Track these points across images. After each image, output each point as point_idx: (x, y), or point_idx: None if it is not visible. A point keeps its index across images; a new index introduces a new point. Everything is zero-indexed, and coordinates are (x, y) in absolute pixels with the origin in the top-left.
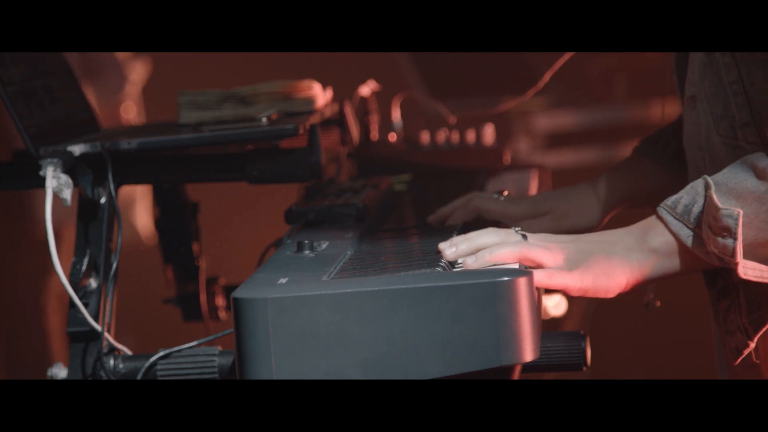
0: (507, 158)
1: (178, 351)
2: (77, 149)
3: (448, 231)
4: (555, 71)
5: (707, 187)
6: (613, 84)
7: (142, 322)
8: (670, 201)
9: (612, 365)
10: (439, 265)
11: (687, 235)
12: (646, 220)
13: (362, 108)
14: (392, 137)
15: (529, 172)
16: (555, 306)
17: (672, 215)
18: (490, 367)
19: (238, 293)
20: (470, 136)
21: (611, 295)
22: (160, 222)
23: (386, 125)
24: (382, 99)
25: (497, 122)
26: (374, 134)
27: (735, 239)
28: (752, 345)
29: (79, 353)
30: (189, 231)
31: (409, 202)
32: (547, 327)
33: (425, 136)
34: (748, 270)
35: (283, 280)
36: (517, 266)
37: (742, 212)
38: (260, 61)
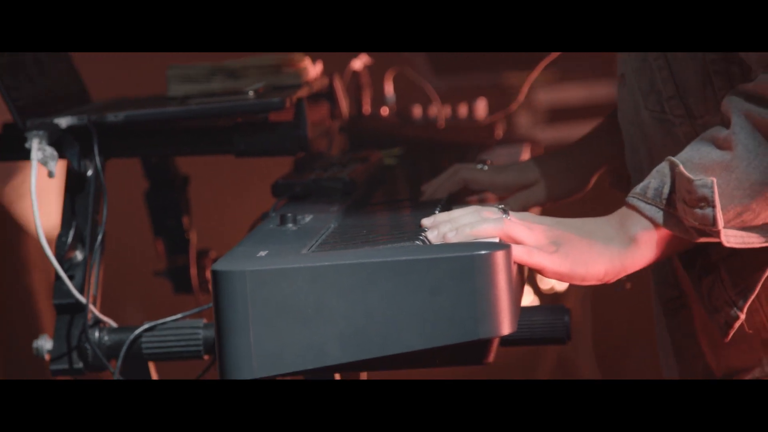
0: (499, 133)
1: (163, 324)
2: (64, 122)
3: (434, 204)
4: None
5: (673, 165)
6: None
7: (134, 294)
8: (638, 188)
9: (613, 341)
10: (418, 239)
11: (663, 218)
12: (621, 209)
13: (354, 82)
14: (384, 111)
15: (522, 146)
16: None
17: (644, 201)
18: (468, 340)
19: (217, 266)
20: (462, 110)
21: (586, 283)
22: (149, 195)
23: (380, 100)
24: (377, 73)
25: (498, 96)
26: (366, 108)
27: (713, 207)
28: (742, 316)
29: (65, 325)
30: (179, 204)
31: (398, 176)
32: (547, 301)
33: (417, 111)
34: (731, 238)
35: (263, 253)
36: (496, 240)
37: (716, 180)
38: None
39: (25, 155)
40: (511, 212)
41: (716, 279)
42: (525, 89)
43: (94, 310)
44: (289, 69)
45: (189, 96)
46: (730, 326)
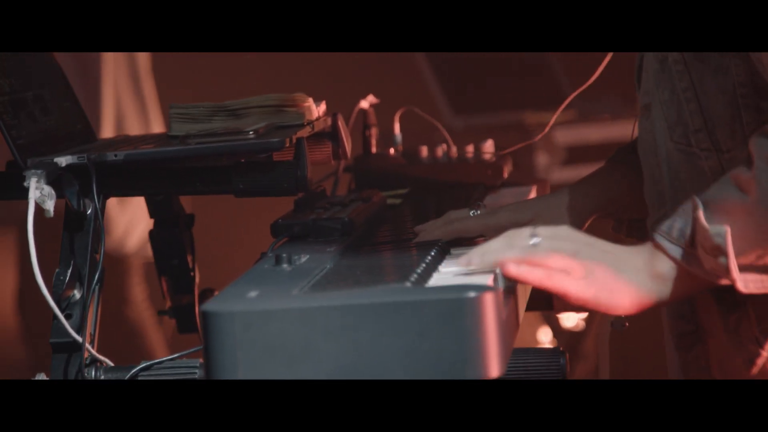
0: (505, 173)
1: (159, 363)
2: (63, 160)
3: (432, 245)
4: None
5: (694, 208)
6: (634, 101)
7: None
8: (664, 226)
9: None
10: (409, 280)
11: (687, 259)
12: (649, 244)
13: (362, 122)
14: (392, 151)
15: (528, 188)
16: (569, 321)
17: (669, 240)
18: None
19: (206, 307)
20: (469, 150)
21: (612, 312)
22: (154, 234)
23: (388, 139)
24: (386, 114)
25: (519, 135)
26: (373, 148)
27: (727, 257)
28: (765, 354)
29: (62, 364)
30: (183, 243)
31: (402, 216)
32: (568, 341)
33: (424, 150)
34: (749, 283)
35: (253, 294)
36: (489, 280)
37: (729, 229)
38: (258, 74)
39: (24, 194)
40: (542, 229)
41: (743, 315)
42: (547, 129)
43: (90, 349)
44: (291, 109)
45: (190, 135)
46: (753, 363)
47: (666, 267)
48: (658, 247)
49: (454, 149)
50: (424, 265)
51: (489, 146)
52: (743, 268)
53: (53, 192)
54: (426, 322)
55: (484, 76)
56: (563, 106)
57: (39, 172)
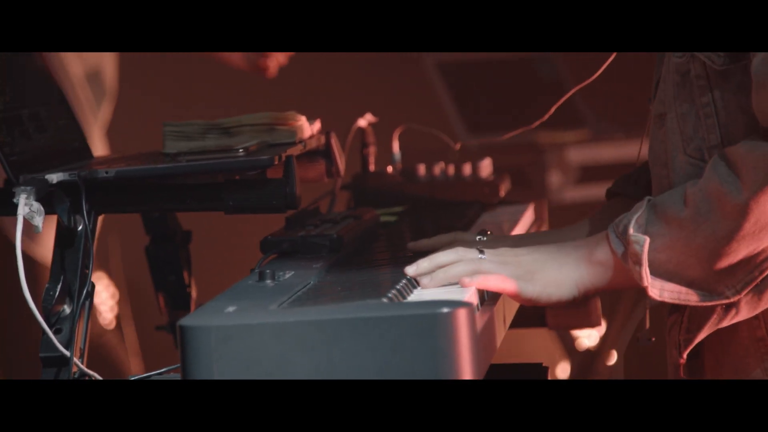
0: (502, 191)
1: (147, 377)
2: (55, 177)
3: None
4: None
5: (637, 209)
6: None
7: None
8: (618, 219)
9: None
10: (386, 296)
11: (622, 254)
12: (601, 233)
13: (360, 140)
14: (390, 169)
15: (525, 206)
16: (588, 337)
17: (615, 233)
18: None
19: (184, 321)
20: (467, 169)
21: (562, 303)
22: (150, 250)
23: (388, 158)
24: (385, 132)
25: (530, 154)
26: (371, 166)
27: (640, 265)
28: (682, 361)
29: (50, 378)
30: (179, 259)
31: (395, 234)
32: (581, 359)
33: (422, 169)
34: (665, 292)
35: (231, 309)
36: (463, 296)
37: (648, 240)
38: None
39: (13, 211)
40: (486, 250)
41: (677, 320)
42: (552, 109)
43: (79, 364)
44: (283, 127)
45: (182, 153)
46: (676, 368)
47: (605, 255)
48: (607, 236)
49: (452, 166)
50: (404, 281)
51: (487, 165)
52: (665, 276)
53: (42, 208)
54: (400, 336)
55: (498, 95)
56: (563, 99)
57: (29, 188)
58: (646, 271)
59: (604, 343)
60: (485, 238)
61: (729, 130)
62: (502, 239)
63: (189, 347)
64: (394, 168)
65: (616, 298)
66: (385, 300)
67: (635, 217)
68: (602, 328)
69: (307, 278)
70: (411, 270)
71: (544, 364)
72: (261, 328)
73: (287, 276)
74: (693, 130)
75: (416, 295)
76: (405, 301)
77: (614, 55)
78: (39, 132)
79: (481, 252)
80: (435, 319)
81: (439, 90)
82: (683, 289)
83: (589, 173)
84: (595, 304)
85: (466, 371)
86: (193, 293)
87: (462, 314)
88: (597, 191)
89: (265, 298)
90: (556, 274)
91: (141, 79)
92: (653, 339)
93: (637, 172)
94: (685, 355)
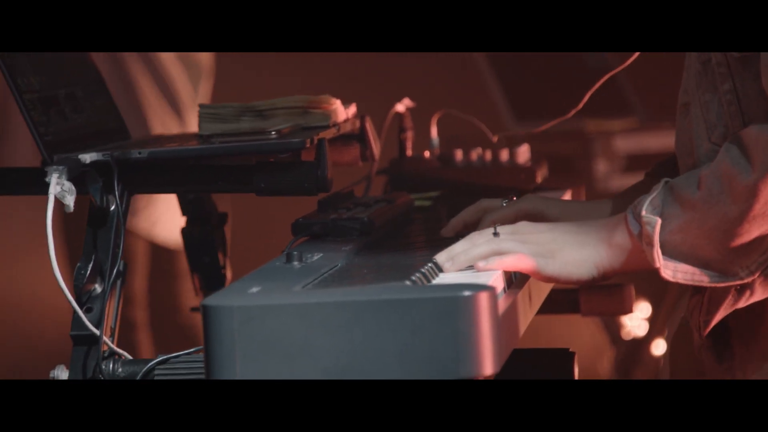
0: (539, 178)
1: (176, 357)
2: (88, 157)
3: (447, 244)
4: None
5: (653, 190)
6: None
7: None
8: (636, 200)
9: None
10: (410, 279)
11: (638, 234)
12: (621, 214)
13: (398, 125)
14: (427, 154)
15: (562, 192)
16: (637, 327)
17: (632, 214)
18: (449, 379)
19: (207, 301)
20: (504, 155)
21: (582, 282)
22: (185, 231)
23: (426, 143)
24: (424, 117)
25: (579, 143)
26: (409, 151)
27: (652, 246)
28: (702, 342)
29: (81, 356)
30: (214, 241)
31: (427, 218)
32: (628, 347)
33: (459, 154)
34: (678, 273)
35: (255, 289)
36: (488, 279)
37: (659, 221)
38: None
39: (44, 190)
40: (502, 228)
41: (699, 301)
42: (587, 97)
43: (109, 343)
44: (316, 110)
45: (215, 134)
46: (699, 350)
47: (623, 238)
48: (625, 218)
49: (489, 152)
50: (430, 264)
51: (524, 151)
52: (679, 257)
53: (73, 188)
54: (420, 319)
55: (546, 82)
56: (595, 87)
57: (60, 168)
58: (657, 251)
59: (650, 333)
60: (508, 202)
61: (751, 116)
62: (529, 197)
63: (212, 327)
64: (431, 153)
65: (662, 286)
66: (408, 283)
67: (650, 198)
68: (646, 315)
69: (335, 261)
70: (440, 259)
71: (571, 350)
72: (283, 309)
73: (315, 258)
74: (717, 118)
75: (441, 279)
76: (429, 284)
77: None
78: (75, 112)
79: (495, 234)
80: (455, 303)
81: (487, 77)
82: (697, 270)
83: (635, 162)
84: (629, 291)
85: (487, 355)
86: (228, 274)
87: (483, 298)
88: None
89: (291, 279)
90: (576, 253)
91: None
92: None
93: (674, 159)
94: (704, 335)
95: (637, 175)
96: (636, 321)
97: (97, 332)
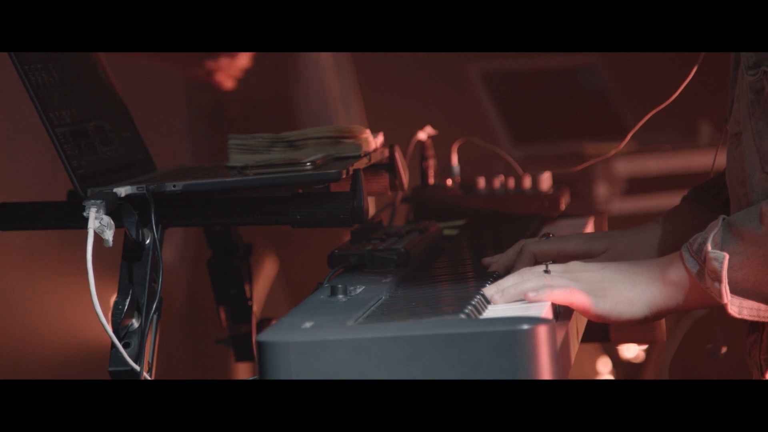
0: (563, 205)
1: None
2: (123, 191)
3: (487, 276)
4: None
5: (713, 227)
6: (697, 131)
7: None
8: (692, 238)
9: None
10: (463, 312)
11: (697, 273)
12: (674, 253)
13: (419, 153)
14: (449, 182)
15: (586, 219)
16: (629, 352)
17: (689, 252)
18: None
19: (262, 337)
20: (527, 182)
21: (633, 322)
22: (211, 263)
23: (447, 171)
24: (444, 145)
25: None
26: (431, 179)
27: (720, 282)
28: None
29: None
30: (240, 272)
31: (458, 247)
32: (625, 373)
33: (481, 182)
34: (744, 309)
35: (308, 324)
36: (540, 312)
37: (727, 256)
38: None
39: (84, 224)
40: (553, 267)
41: (757, 339)
42: (630, 135)
43: (148, 378)
44: (348, 140)
45: (248, 166)
46: None
47: (679, 275)
48: (681, 256)
49: (512, 179)
50: (478, 296)
51: (547, 178)
52: (742, 294)
53: (112, 222)
54: (480, 353)
55: (544, 106)
56: (641, 123)
57: (99, 202)
58: (726, 287)
59: (650, 356)
60: (547, 239)
61: None
62: (570, 237)
63: (268, 363)
64: (453, 181)
65: None
66: (462, 316)
67: (711, 234)
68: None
69: (378, 293)
70: (487, 293)
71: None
72: (340, 344)
73: (358, 291)
74: None
75: (491, 311)
76: (480, 317)
77: (690, 77)
78: (104, 145)
79: (546, 271)
80: (515, 336)
81: (483, 100)
82: (762, 306)
83: (636, 185)
84: (660, 320)
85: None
86: (254, 306)
87: (542, 331)
88: (644, 203)
89: (340, 313)
90: (628, 292)
91: None
92: (724, 350)
93: (716, 187)
94: (766, 376)
95: (638, 199)
96: (633, 351)
97: (138, 368)
